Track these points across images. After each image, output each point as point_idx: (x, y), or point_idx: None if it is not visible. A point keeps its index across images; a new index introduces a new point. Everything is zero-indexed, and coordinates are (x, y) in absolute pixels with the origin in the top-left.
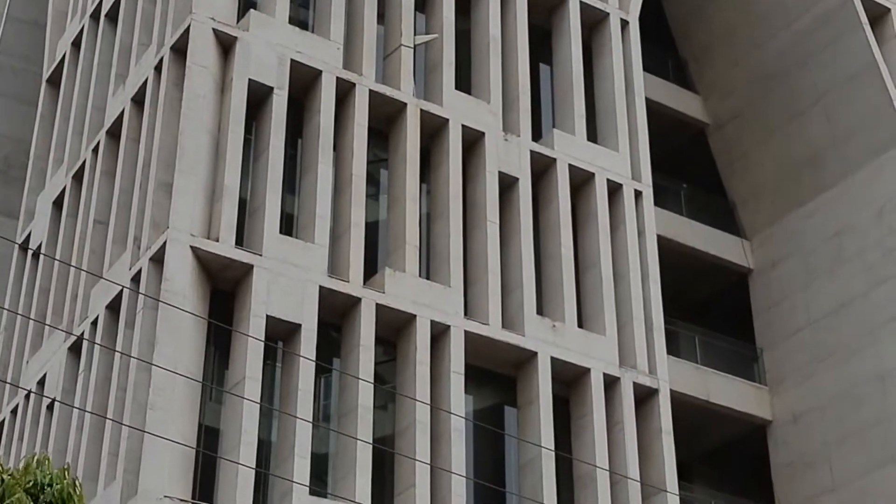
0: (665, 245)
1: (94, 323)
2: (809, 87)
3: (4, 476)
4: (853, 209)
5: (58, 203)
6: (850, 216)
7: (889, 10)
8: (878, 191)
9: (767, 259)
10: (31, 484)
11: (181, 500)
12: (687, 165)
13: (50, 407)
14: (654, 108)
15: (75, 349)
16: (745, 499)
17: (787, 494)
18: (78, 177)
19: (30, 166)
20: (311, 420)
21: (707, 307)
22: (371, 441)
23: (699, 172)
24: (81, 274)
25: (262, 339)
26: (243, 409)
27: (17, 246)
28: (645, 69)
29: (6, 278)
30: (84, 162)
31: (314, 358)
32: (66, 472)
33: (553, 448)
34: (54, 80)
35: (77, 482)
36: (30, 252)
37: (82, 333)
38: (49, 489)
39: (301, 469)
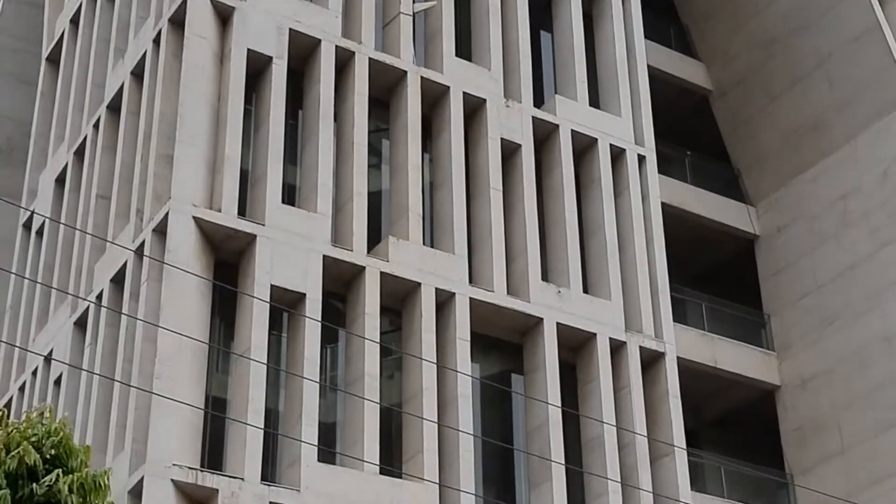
0: (671, 213)
1: (99, 297)
2: (812, 51)
3: (10, 431)
4: (858, 172)
5: (60, 180)
6: (855, 179)
7: None
8: (882, 153)
9: (773, 225)
10: (34, 437)
11: (189, 468)
12: (691, 133)
13: (57, 382)
14: (657, 76)
15: (81, 324)
16: (754, 464)
17: (796, 459)
18: (79, 153)
19: (31, 145)
20: (318, 382)
21: (713, 274)
22: (378, 405)
23: (703, 140)
24: (85, 249)
25: (268, 306)
26: (250, 377)
27: (20, 225)
28: (647, 37)
29: (11, 258)
30: (85, 138)
31: (320, 325)
32: (65, 425)
33: (560, 410)
34: (54, 59)
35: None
36: (34, 230)
37: (87, 307)
38: (49, 440)
39: (309, 436)
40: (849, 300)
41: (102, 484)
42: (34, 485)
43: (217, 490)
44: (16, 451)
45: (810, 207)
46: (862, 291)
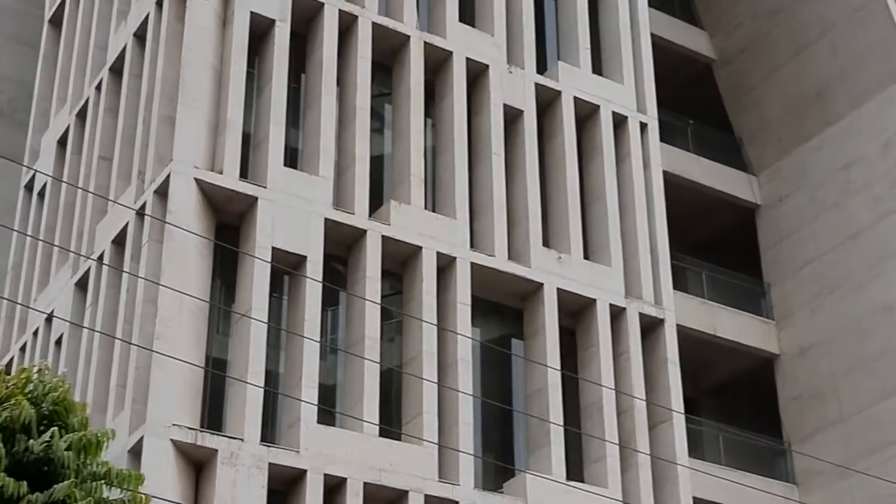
0: (673, 181)
1: (100, 258)
2: (816, 20)
3: (8, 385)
4: (860, 142)
5: (62, 142)
6: (858, 149)
7: None
8: (885, 122)
9: (775, 194)
10: (31, 393)
11: (189, 429)
12: (694, 102)
13: (58, 342)
14: (660, 45)
15: (82, 285)
16: (753, 432)
17: (794, 427)
18: (81, 115)
19: (33, 107)
20: (318, 341)
21: (715, 243)
22: (379, 365)
23: (706, 108)
24: (87, 211)
25: (269, 267)
26: (250, 339)
27: (22, 186)
28: (651, 6)
29: (13, 219)
30: (87, 100)
31: (321, 287)
32: (64, 381)
33: (560, 374)
34: (56, 21)
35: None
36: (35, 191)
37: (89, 268)
38: (47, 397)
39: (309, 397)
40: (849, 269)
41: (104, 443)
42: (31, 441)
43: (216, 450)
44: (9, 404)
45: (812, 177)
46: (863, 261)
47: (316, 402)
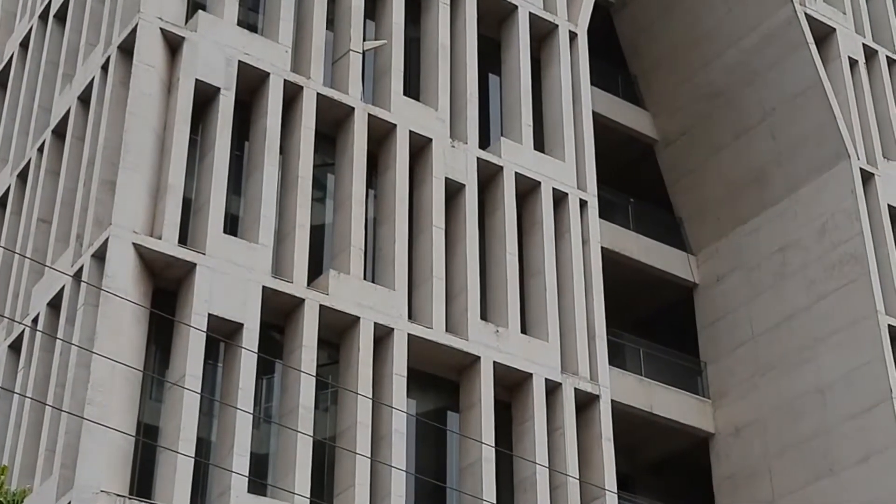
0: (612, 258)
1: (35, 321)
2: (756, 105)
3: None
4: (797, 225)
5: (2, 202)
6: (794, 232)
7: (834, 29)
8: (821, 207)
9: (712, 274)
10: None
11: (118, 496)
12: (635, 180)
13: None
14: (603, 124)
15: (16, 347)
16: None
17: None
18: (23, 176)
19: None
20: (251, 412)
21: (652, 320)
22: (312, 437)
23: (647, 187)
24: (23, 273)
25: (205, 334)
26: (183, 406)
27: None
28: (595, 85)
29: None
30: (29, 161)
31: (256, 356)
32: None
33: (493, 448)
34: (1, 81)
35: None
36: None
37: (23, 331)
38: None
39: (240, 467)
40: (784, 351)
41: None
42: None
43: None
44: None
45: (749, 258)
46: (797, 343)
47: (247, 473)
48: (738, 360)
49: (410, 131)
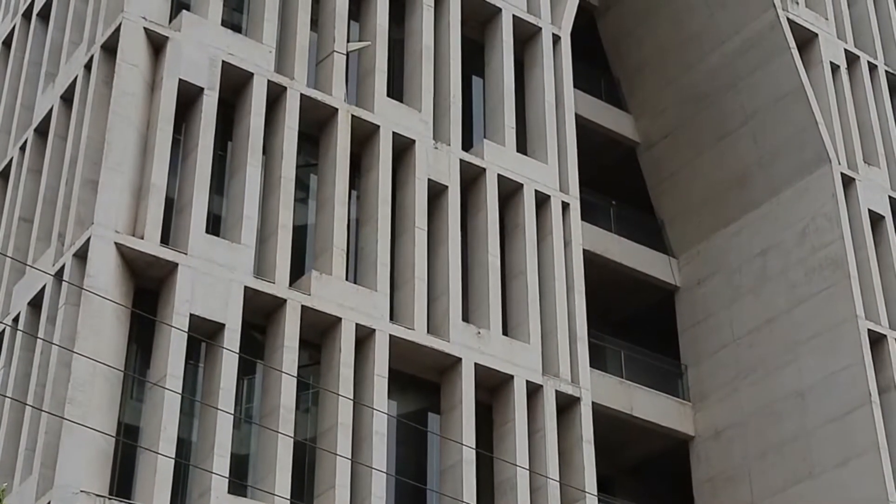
0: (594, 261)
1: (16, 320)
2: (738, 109)
3: None
4: (778, 228)
5: None
6: (775, 235)
7: (816, 34)
8: (802, 211)
9: (693, 277)
10: None
11: (97, 496)
12: (617, 183)
13: None
14: (586, 126)
15: None
16: None
17: None
18: (4, 175)
19: None
20: (232, 413)
21: (633, 323)
22: (292, 438)
23: (629, 190)
24: (4, 272)
25: (186, 334)
26: (164, 406)
27: None
28: (578, 87)
29: None
30: (11, 160)
31: (237, 356)
32: None
33: (474, 450)
34: None
35: None
36: None
37: (3, 330)
38: None
39: (220, 468)
40: (764, 354)
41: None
42: None
43: None
44: None
45: (730, 261)
46: (777, 346)
47: (227, 473)
48: (719, 363)
49: (394, 132)
